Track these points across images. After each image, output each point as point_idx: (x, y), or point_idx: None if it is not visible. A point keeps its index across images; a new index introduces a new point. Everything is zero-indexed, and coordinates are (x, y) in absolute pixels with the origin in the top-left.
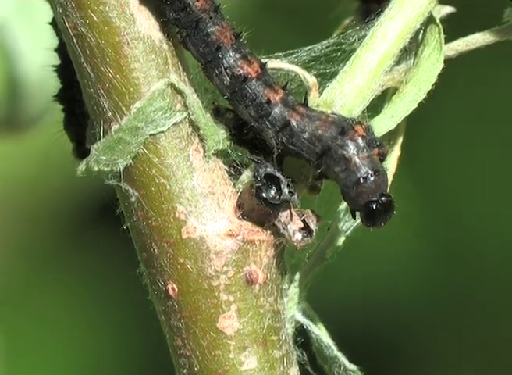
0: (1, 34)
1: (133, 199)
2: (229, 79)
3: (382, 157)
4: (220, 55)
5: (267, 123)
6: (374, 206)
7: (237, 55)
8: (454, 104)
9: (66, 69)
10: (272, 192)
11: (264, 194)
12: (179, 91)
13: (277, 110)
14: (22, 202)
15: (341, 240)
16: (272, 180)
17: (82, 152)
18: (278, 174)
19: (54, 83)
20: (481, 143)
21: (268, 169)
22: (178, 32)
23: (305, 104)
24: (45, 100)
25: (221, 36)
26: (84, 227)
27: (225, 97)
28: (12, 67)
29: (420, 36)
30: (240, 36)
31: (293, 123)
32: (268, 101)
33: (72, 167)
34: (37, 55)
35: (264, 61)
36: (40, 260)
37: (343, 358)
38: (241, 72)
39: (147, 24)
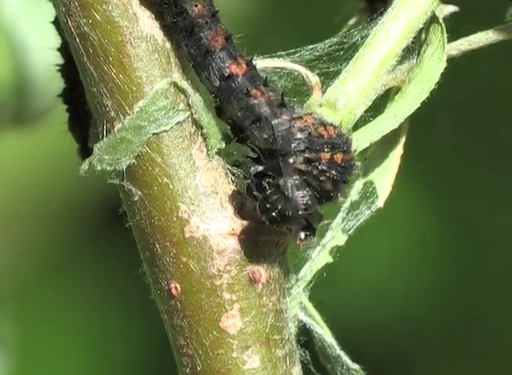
0: (10, 30)
1: (135, 198)
2: (218, 81)
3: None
4: (209, 59)
5: (247, 117)
6: (266, 216)
7: (225, 57)
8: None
9: (70, 69)
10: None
11: (254, 192)
12: (182, 90)
13: (255, 103)
14: (32, 201)
15: (344, 239)
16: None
17: (87, 153)
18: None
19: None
20: (497, 147)
21: (261, 168)
22: (176, 34)
23: (283, 103)
24: (53, 95)
25: (212, 40)
26: (94, 226)
27: (216, 98)
28: (20, 62)
29: (423, 35)
30: (232, 38)
31: (264, 118)
32: (249, 96)
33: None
34: (44, 51)
35: (256, 60)
36: (50, 259)
37: (345, 358)
38: (228, 72)
39: (150, 23)
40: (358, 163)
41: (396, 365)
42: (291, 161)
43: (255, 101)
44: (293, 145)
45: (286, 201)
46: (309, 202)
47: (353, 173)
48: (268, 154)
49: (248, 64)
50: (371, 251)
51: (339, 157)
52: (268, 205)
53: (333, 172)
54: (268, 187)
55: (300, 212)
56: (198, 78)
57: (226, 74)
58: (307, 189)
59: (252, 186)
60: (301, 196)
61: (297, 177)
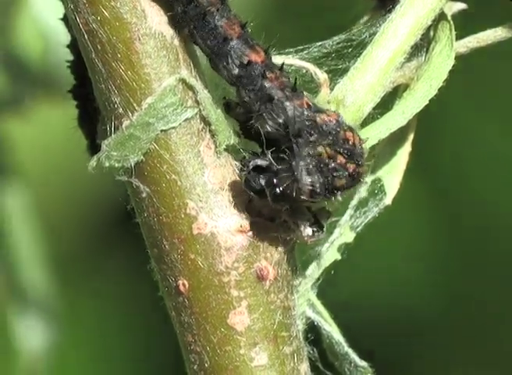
0: (39, 16)
1: (143, 195)
2: (237, 69)
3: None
4: (228, 47)
5: (259, 98)
6: (270, 191)
7: (244, 46)
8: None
9: (79, 65)
10: (261, 182)
11: (252, 184)
12: (190, 87)
13: (270, 85)
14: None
15: (352, 236)
16: (264, 172)
17: (96, 149)
18: (269, 165)
19: None
20: (495, 138)
21: (259, 161)
22: (186, 25)
23: (294, 89)
24: None
25: (228, 28)
26: (105, 223)
27: (234, 87)
28: (49, 40)
29: (431, 32)
30: (246, 27)
31: (277, 99)
32: (264, 78)
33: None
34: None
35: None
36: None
37: (353, 355)
38: (248, 59)
39: (158, 20)
40: (366, 180)
41: (402, 363)
42: (311, 139)
43: (270, 84)
44: (316, 137)
45: (293, 181)
46: (317, 190)
47: (359, 184)
48: (279, 136)
49: (265, 51)
50: (375, 250)
51: (351, 166)
52: (275, 180)
53: (344, 172)
54: (282, 163)
55: (303, 197)
56: (205, 75)
57: (246, 62)
58: (319, 176)
59: (250, 178)
60: (310, 181)
61: (311, 162)
